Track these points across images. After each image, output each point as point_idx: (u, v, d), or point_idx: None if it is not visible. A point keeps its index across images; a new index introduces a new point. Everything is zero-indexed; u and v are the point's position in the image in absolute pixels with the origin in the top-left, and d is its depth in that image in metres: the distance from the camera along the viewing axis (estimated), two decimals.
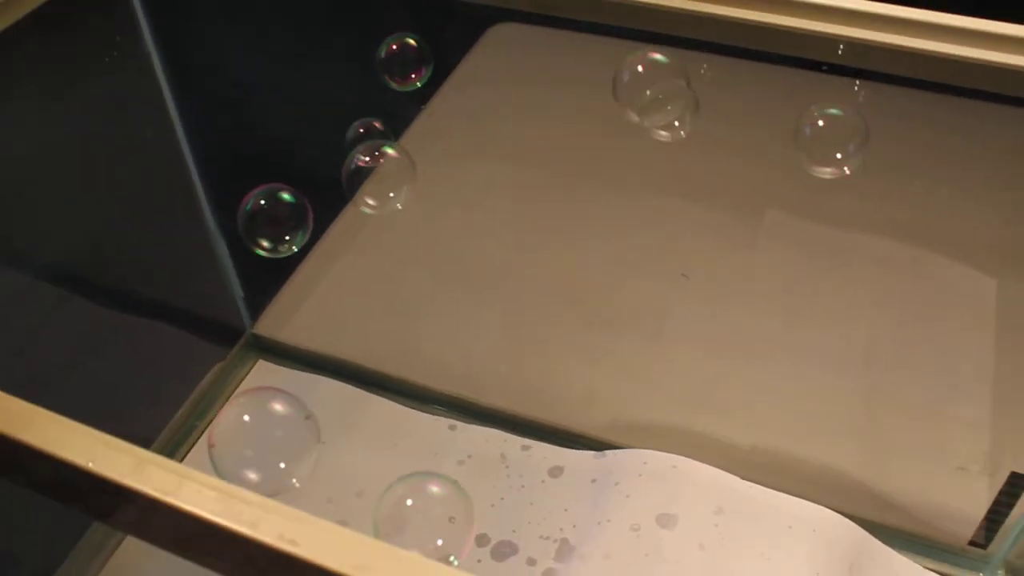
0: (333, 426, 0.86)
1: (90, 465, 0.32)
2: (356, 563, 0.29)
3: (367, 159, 0.65)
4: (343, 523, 0.30)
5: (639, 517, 0.77)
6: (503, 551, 0.78)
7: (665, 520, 0.77)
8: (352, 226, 1.02)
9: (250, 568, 0.31)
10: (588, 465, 0.83)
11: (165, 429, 0.87)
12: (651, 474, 0.80)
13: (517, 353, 0.93)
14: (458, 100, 1.05)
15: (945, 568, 0.77)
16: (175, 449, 0.87)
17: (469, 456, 0.84)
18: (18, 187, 0.69)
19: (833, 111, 0.56)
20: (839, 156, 0.56)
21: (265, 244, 0.61)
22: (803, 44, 0.58)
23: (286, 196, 0.61)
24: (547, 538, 0.78)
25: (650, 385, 0.89)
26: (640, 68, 0.59)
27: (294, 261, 0.98)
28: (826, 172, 0.57)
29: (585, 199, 1.00)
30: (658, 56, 0.59)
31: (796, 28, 0.57)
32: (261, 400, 0.44)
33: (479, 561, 0.77)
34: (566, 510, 0.80)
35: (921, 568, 0.77)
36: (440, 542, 0.41)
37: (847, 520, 0.77)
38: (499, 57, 1.18)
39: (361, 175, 0.66)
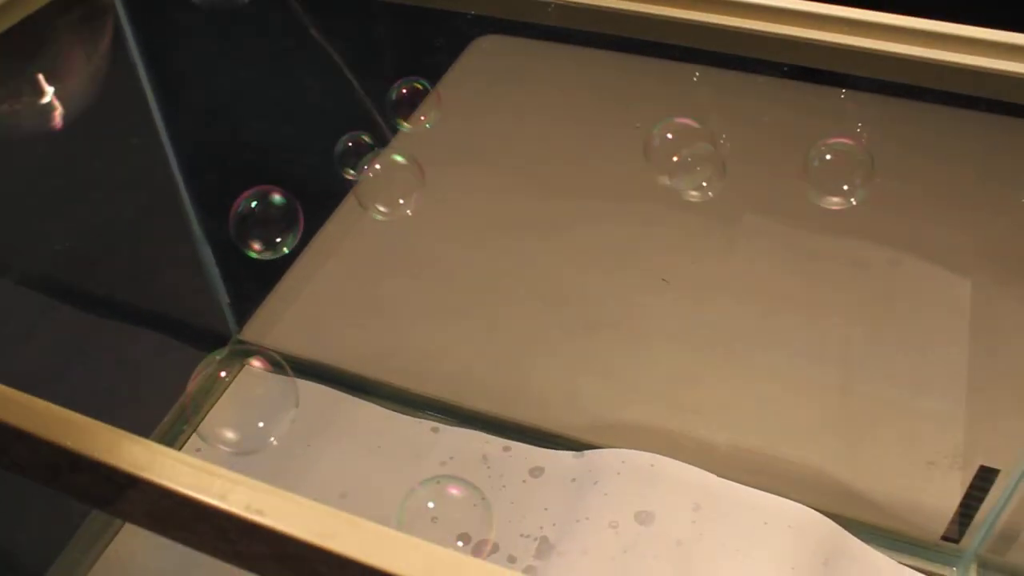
0: (317, 429, 0.88)
1: (68, 443, 0.33)
2: (319, 531, 0.30)
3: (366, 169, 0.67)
4: None
5: (617, 515, 0.79)
6: (483, 549, 0.79)
7: (643, 517, 0.79)
8: (337, 234, 1.04)
9: (222, 541, 0.33)
10: (568, 465, 0.84)
11: (151, 435, 0.88)
12: (629, 473, 0.82)
13: (498, 356, 0.94)
14: (442, 109, 1.07)
15: (919, 563, 0.79)
16: None
17: (451, 457, 0.85)
18: (3, 194, 0.71)
19: (840, 145, 0.59)
20: (846, 188, 0.59)
21: (257, 246, 0.63)
22: (777, 49, 0.60)
23: (277, 198, 0.63)
24: (527, 536, 0.79)
25: (629, 386, 0.91)
26: (670, 134, 0.61)
27: (280, 268, 1.00)
28: (833, 202, 0.59)
29: (565, 205, 1.01)
30: (687, 122, 0.61)
31: (773, 33, 0.59)
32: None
33: None
34: (546, 509, 0.81)
35: (895, 563, 0.78)
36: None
37: (822, 516, 0.78)
38: (483, 68, 1.20)
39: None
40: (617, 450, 0.84)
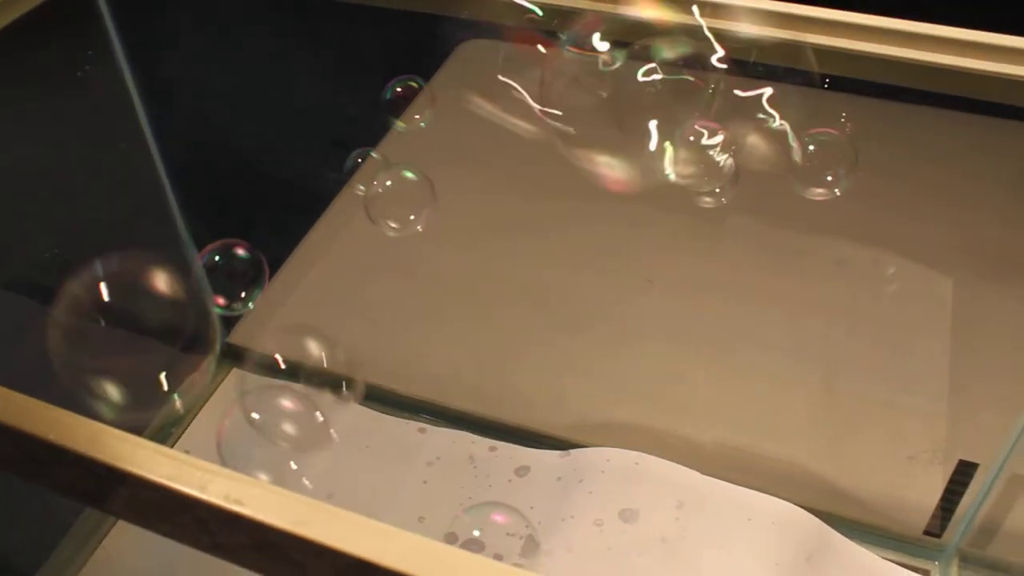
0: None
1: (50, 437, 0.34)
2: (295, 519, 0.31)
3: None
4: None
5: (602, 513, 0.79)
6: (470, 549, 0.79)
7: (627, 515, 0.79)
8: (325, 236, 1.05)
9: (203, 532, 0.33)
10: (553, 464, 0.85)
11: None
12: (614, 471, 0.82)
13: (485, 357, 0.95)
14: (429, 114, 1.08)
15: (902, 558, 0.79)
16: None
17: (438, 458, 0.86)
18: None
19: (823, 136, 0.59)
20: (829, 179, 0.59)
21: (222, 301, 0.63)
22: (763, 50, 0.60)
23: (241, 253, 0.63)
24: (513, 535, 0.80)
25: (614, 386, 0.91)
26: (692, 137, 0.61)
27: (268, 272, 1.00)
28: (818, 193, 0.60)
29: (550, 207, 1.02)
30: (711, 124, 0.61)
31: (756, 34, 0.60)
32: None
33: None
34: (532, 508, 0.82)
35: (878, 558, 0.79)
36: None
37: (805, 512, 0.79)
38: (469, 73, 1.21)
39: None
40: (602, 449, 0.84)
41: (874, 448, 0.84)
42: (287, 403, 0.56)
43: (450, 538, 0.81)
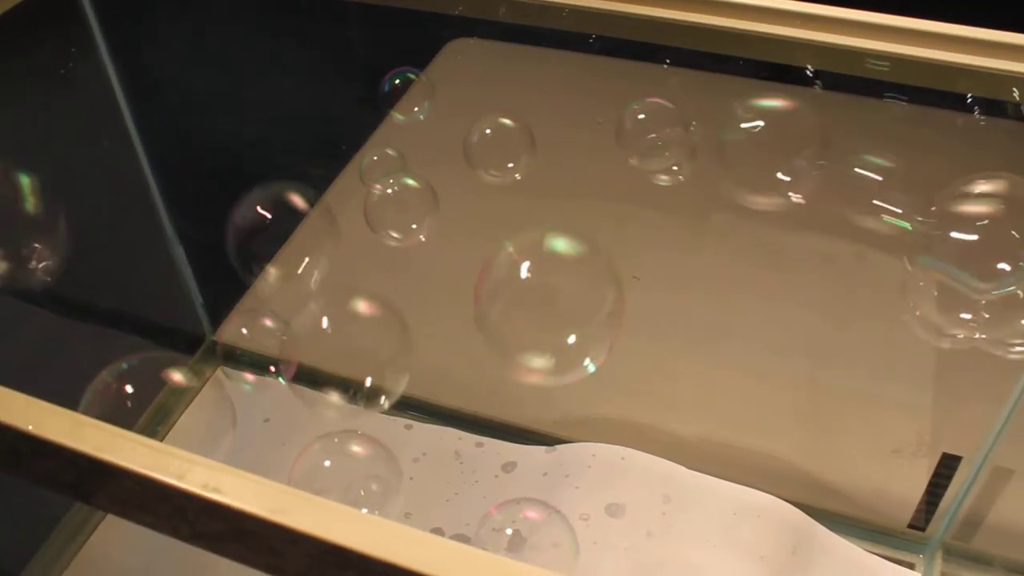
0: (291, 428, 0.88)
1: (29, 428, 0.34)
2: (272, 507, 0.31)
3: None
4: None
5: (588, 507, 0.80)
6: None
7: (614, 510, 0.80)
8: (310, 236, 1.04)
9: (181, 520, 0.33)
10: (540, 459, 0.85)
11: None
12: (600, 466, 0.83)
13: (471, 354, 0.95)
14: (416, 111, 1.08)
15: (886, 551, 0.80)
16: None
17: (424, 454, 0.86)
18: None
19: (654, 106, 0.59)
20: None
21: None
22: (751, 47, 0.61)
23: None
24: (499, 530, 0.80)
25: (600, 381, 0.91)
26: (642, 116, 0.61)
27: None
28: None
29: (538, 204, 1.02)
30: (660, 103, 0.61)
31: (746, 31, 0.60)
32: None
33: None
34: (518, 503, 0.82)
35: (863, 551, 0.79)
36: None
37: (790, 506, 0.80)
38: (457, 71, 1.21)
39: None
40: (588, 444, 0.85)
41: (858, 442, 0.85)
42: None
43: (437, 534, 0.81)
